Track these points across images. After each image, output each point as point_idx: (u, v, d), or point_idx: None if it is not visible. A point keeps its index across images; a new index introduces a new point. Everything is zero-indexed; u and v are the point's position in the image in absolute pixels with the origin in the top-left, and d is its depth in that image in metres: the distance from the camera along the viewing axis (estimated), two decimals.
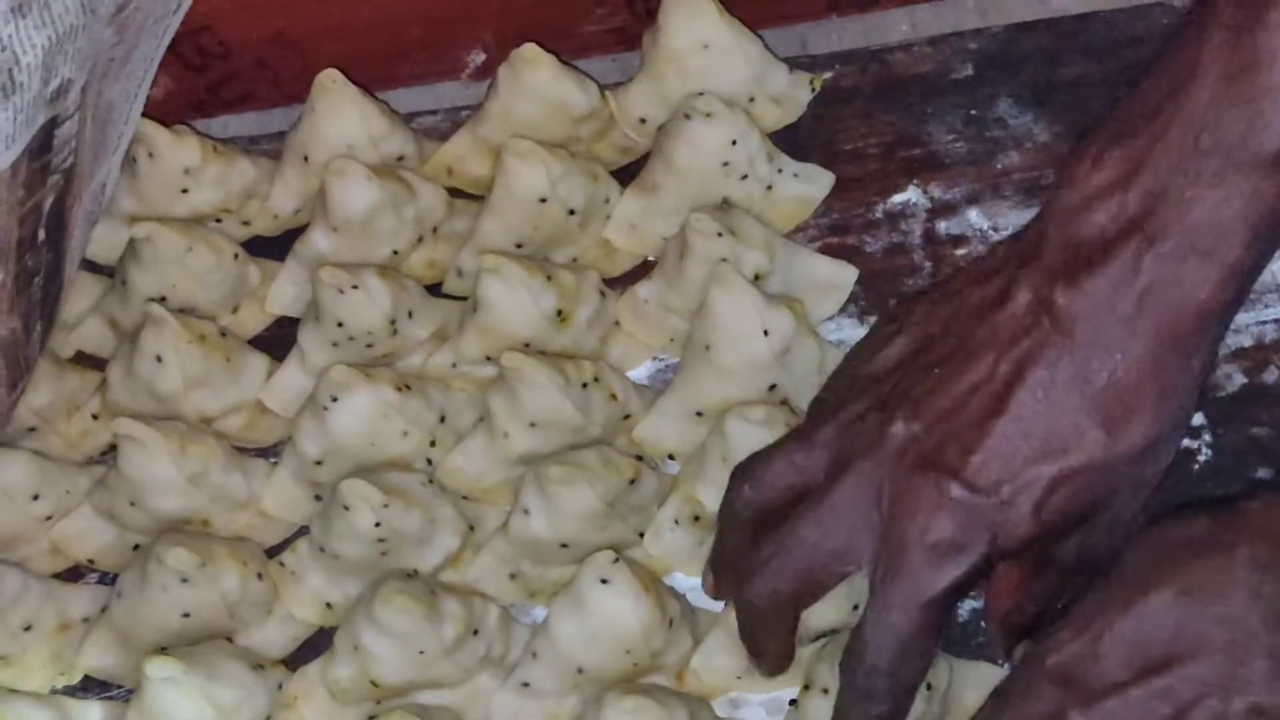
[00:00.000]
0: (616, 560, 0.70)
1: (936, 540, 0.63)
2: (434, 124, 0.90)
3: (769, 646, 0.69)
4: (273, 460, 0.80)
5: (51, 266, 0.78)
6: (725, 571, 0.71)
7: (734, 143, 0.81)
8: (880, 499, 0.65)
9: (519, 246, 0.82)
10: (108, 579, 0.78)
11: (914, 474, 0.64)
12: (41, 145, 0.71)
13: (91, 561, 0.79)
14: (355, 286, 0.78)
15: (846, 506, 0.66)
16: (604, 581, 0.70)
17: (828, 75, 0.88)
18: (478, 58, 0.93)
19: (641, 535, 0.76)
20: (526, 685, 0.73)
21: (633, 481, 0.75)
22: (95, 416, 0.82)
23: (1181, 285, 0.62)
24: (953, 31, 0.90)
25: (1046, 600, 0.68)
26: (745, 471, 0.70)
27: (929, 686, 0.67)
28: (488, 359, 0.80)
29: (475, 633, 0.73)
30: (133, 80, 0.81)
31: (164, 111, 0.87)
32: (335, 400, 0.76)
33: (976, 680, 0.69)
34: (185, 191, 0.85)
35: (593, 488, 0.73)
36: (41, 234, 0.75)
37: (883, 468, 0.65)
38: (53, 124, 0.72)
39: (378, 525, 0.73)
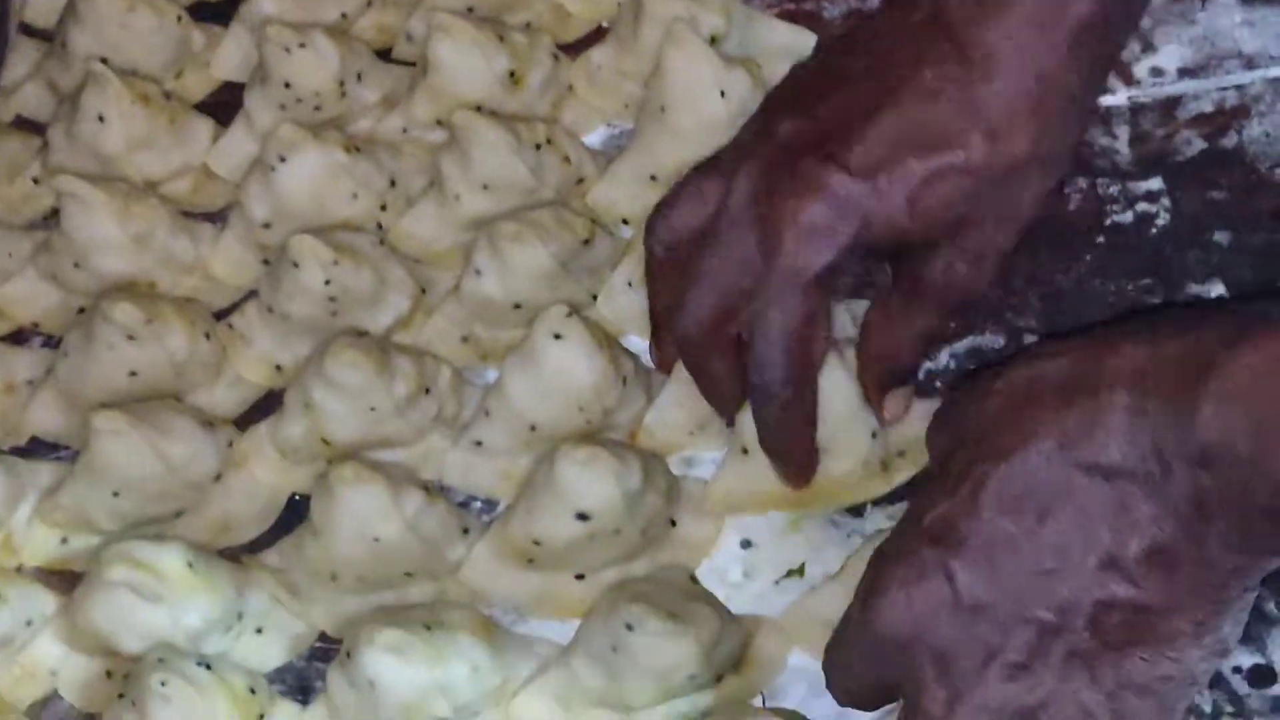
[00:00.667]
0: (570, 315, 0.69)
1: (809, 221, 0.63)
2: None
3: (719, 387, 0.69)
4: (220, 225, 0.79)
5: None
6: (663, 324, 0.71)
7: None
8: (765, 195, 0.65)
9: (470, 10, 0.81)
10: (52, 342, 0.77)
11: (794, 162, 0.64)
12: None
13: (36, 325, 0.78)
14: (303, 45, 0.77)
15: (740, 213, 0.65)
16: (557, 336, 0.69)
17: None
18: None
19: (595, 297, 0.75)
20: (479, 444, 0.72)
21: (586, 242, 0.74)
22: (36, 180, 0.80)
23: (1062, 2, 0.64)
24: None
25: (914, 345, 0.68)
26: (656, 211, 0.70)
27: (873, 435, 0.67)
28: (438, 124, 0.79)
29: (427, 391, 0.72)
30: None
31: None
32: (283, 160, 0.75)
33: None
34: None
35: (546, 246, 0.72)
36: None
37: (764, 161, 0.65)
38: None
39: (327, 283, 0.72)
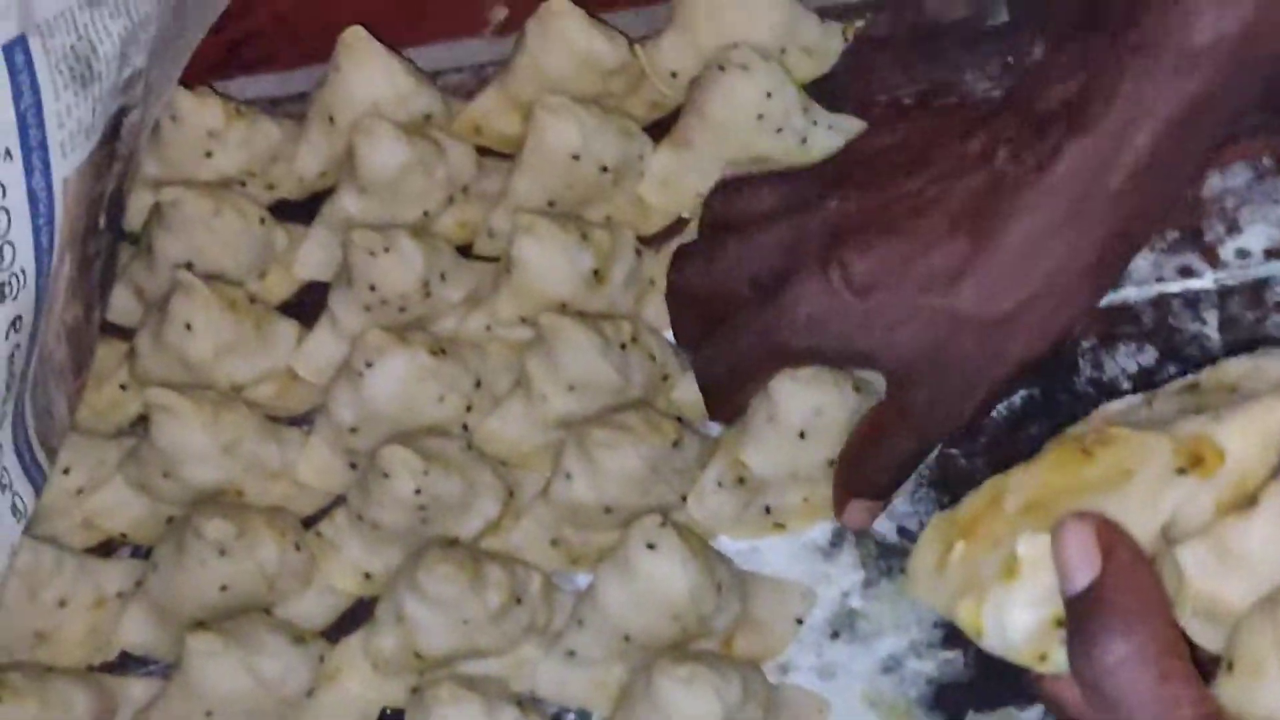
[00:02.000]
0: (664, 524, 0.69)
1: (795, 310, 0.70)
2: (460, 82, 0.88)
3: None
4: (306, 429, 0.79)
5: (109, 251, 0.76)
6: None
7: (769, 95, 0.80)
8: (784, 264, 0.70)
9: (551, 205, 0.81)
10: (141, 552, 0.77)
11: (817, 247, 0.70)
12: (109, 135, 0.70)
13: (124, 535, 0.77)
14: (387, 249, 0.77)
15: (763, 257, 0.72)
16: (651, 546, 0.69)
17: (859, 24, 0.86)
18: (500, 13, 0.90)
19: (685, 499, 0.74)
20: (572, 654, 0.71)
21: (676, 443, 0.73)
22: (124, 387, 0.80)
23: (1095, 171, 0.67)
24: None
25: (892, 467, 0.71)
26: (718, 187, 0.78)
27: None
28: (523, 321, 0.79)
29: (519, 600, 0.71)
30: (176, 64, 0.80)
31: (182, 74, 0.85)
32: (370, 365, 0.75)
33: None
34: (209, 155, 0.83)
35: (637, 450, 0.72)
36: (102, 220, 0.73)
37: (798, 230, 0.71)
38: (122, 113, 0.70)
39: (418, 492, 0.72)
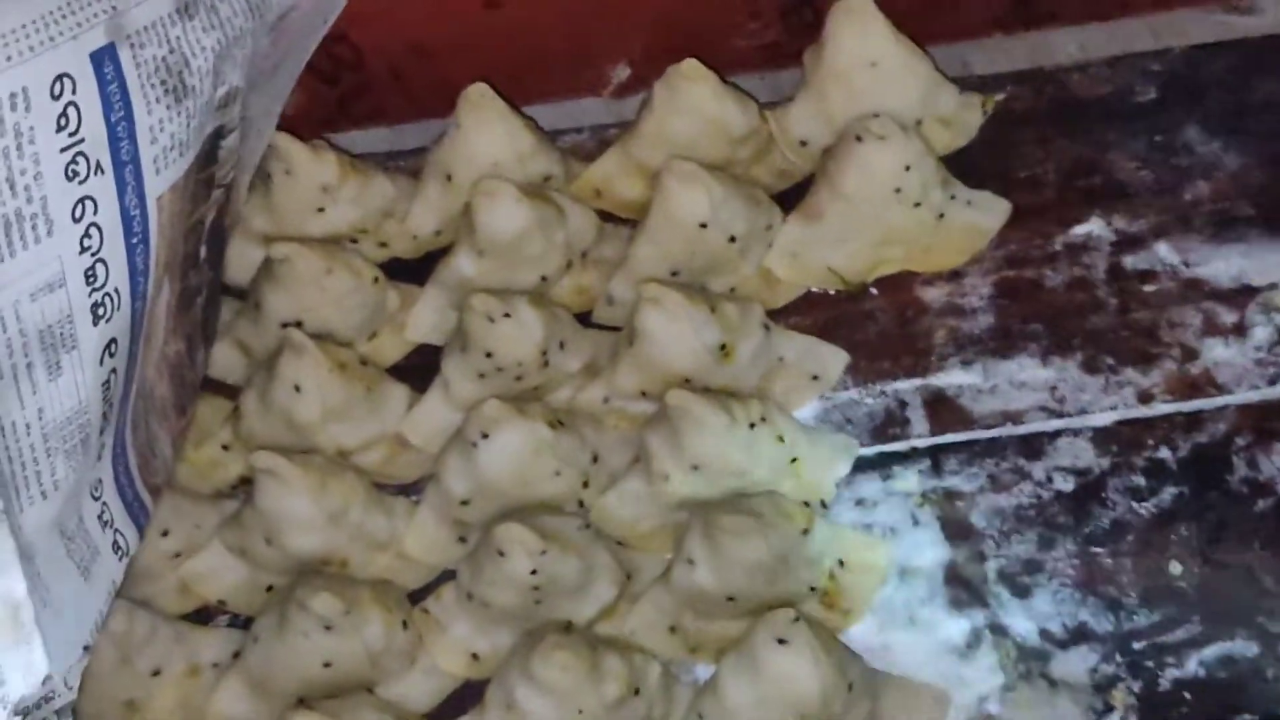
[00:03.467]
0: (796, 619, 0.65)
1: None
2: (579, 143, 0.85)
3: None
4: (414, 498, 0.75)
5: (211, 286, 0.73)
6: None
7: (907, 168, 0.76)
8: None
9: (675, 274, 0.77)
10: (239, 621, 0.74)
11: None
12: (207, 156, 0.67)
13: (222, 602, 0.74)
14: (507, 315, 0.73)
15: None
16: (782, 642, 0.65)
17: (1000, 96, 0.83)
18: (622, 73, 0.88)
19: (813, 589, 0.70)
20: None
21: (805, 532, 0.70)
22: (226, 447, 0.77)
23: None
24: (1133, 53, 0.83)
25: None
26: None
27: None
28: (643, 394, 0.75)
29: (636, 691, 0.67)
30: (276, 95, 0.77)
31: (292, 125, 0.82)
32: (486, 436, 0.71)
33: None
34: (321, 210, 0.80)
35: (766, 539, 0.68)
36: (203, 251, 0.70)
37: None
38: (218, 134, 0.67)
39: (534, 573, 0.68)
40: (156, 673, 0.71)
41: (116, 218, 0.60)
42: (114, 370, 0.62)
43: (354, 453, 0.75)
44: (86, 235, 0.58)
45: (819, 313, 0.78)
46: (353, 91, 0.87)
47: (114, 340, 0.61)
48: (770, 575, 0.69)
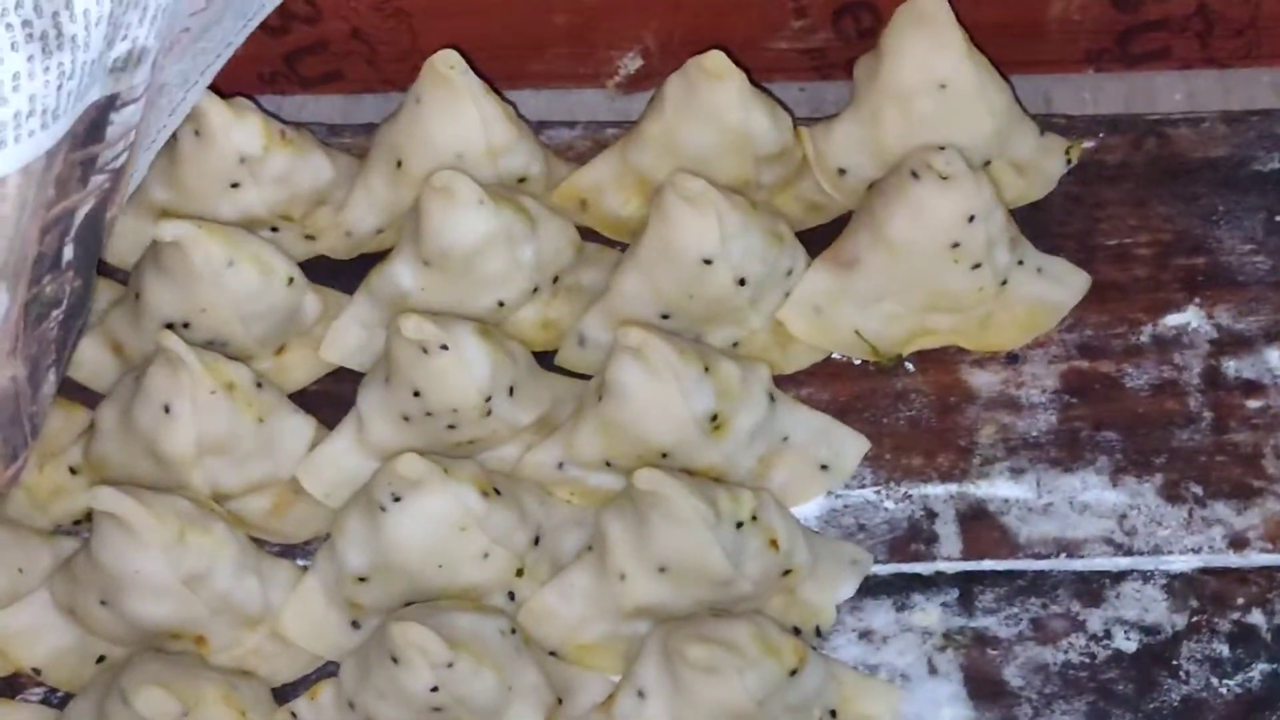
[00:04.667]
0: None
1: None
2: (569, 140, 0.70)
3: None
4: (302, 563, 0.60)
5: (76, 298, 0.57)
6: None
7: (971, 219, 0.61)
8: None
9: (665, 317, 0.63)
10: (54, 697, 0.58)
11: None
12: (89, 131, 0.52)
13: (37, 671, 0.59)
14: (445, 346, 0.58)
15: None
16: None
17: (1088, 144, 0.69)
18: (632, 63, 0.73)
19: None
20: None
21: (794, 673, 0.54)
22: (74, 470, 0.62)
23: None
24: (1256, 110, 0.69)
25: None
26: None
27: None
28: (607, 464, 0.60)
29: None
30: (199, 62, 0.62)
31: (223, 80, 0.66)
32: (398, 500, 0.56)
33: None
34: (236, 186, 0.65)
35: (743, 680, 0.53)
36: (69, 253, 0.55)
37: None
38: (110, 104, 0.52)
39: (434, 690, 0.53)
40: None
41: None
42: None
43: (233, 498, 0.61)
44: None
45: (839, 386, 0.64)
46: (303, 48, 0.73)
47: None
48: None
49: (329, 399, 0.64)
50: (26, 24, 0.45)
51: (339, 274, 0.66)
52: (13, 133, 0.46)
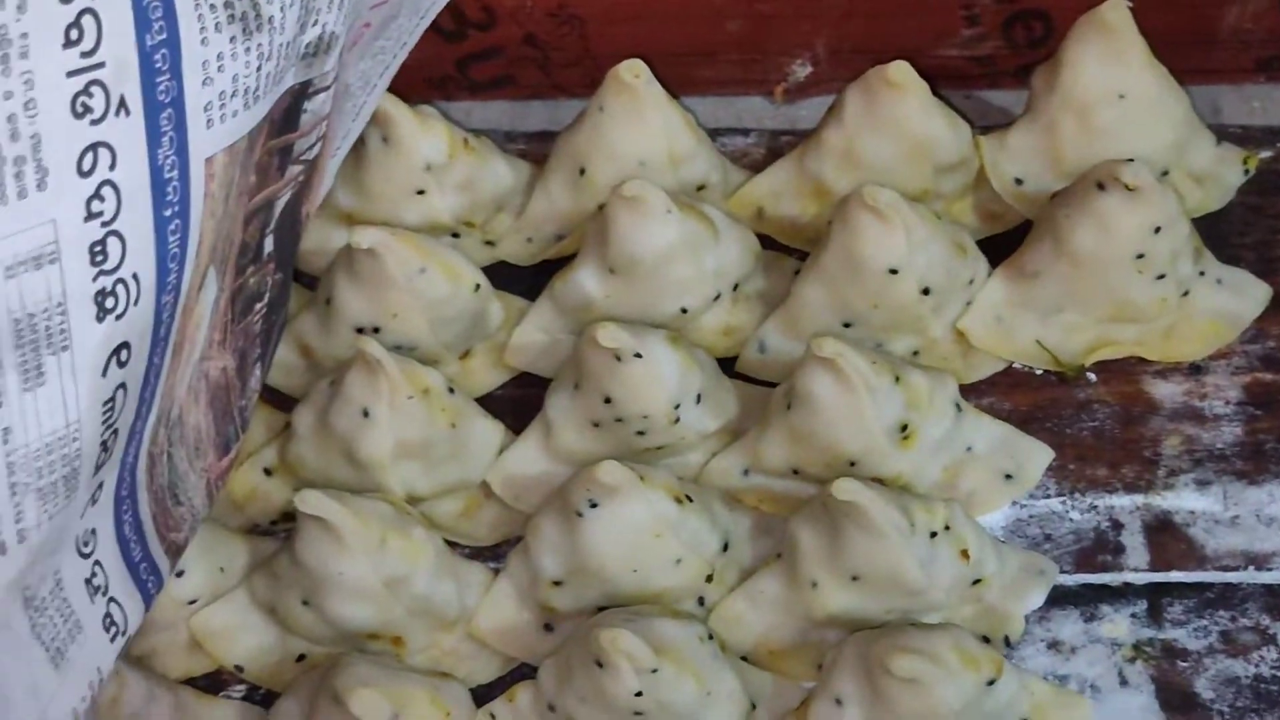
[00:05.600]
0: None
1: None
2: (743, 147, 0.70)
3: None
4: (491, 566, 0.60)
5: (278, 291, 0.58)
6: None
7: (1157, 230, 0.61)
8: None
9: (847, 325, 0.62)
10: (257, 695, 0.59)
11: None
12: (285, 118, 0.52)
13: (239, 668, 0.59)
14: (639, 355, 0.58)
15: None
16: None
17: (1266, 155, 0.68)
18: (801, 70, 0.73)
19: None
20: None
21: (991, 683, 0.54)
22: (269, 471, 0.62)
23: None
24: None
25: None
26: None
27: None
28: (794, 472, 0.60)
29: None
30: (378, 63, 0.62)
31: (395, 84, 0.66)
32: (594, 506, 0.56)
33: None
34: (421, 193, 0.65)
35: (944, 690, 0.53)
36: (269, 244, 0.55)
37: None
38: (303, 91, 0.52)
39: (639, 695, 0.53)
40: None
41: (143, 177, 0.44)
42: (122, 386, 0.46)
43: (425, 500, 0.61)
44: (96, 196, 0.42)
45: (1021, 396, 0.64)
46: (476, 52, 0.72)
47: (125, 345, 0.45)
48: None
49: (512, 404, 0.64)
50: (228, 5, 0.45)
51: (519, 281, 0.67)
52: (219, 111, 0.46)
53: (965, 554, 0.57)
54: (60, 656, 0.48)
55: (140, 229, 0.44)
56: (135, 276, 0.45)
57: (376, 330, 0.62)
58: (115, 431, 0.47)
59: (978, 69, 0.72)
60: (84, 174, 0.42)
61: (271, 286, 0.58)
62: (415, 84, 0.71)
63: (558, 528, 0.58)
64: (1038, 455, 0.62)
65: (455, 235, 0.66)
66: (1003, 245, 0.65)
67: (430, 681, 0.55)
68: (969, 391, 0.63)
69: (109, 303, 0.44)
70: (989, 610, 0.58)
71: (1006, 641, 0.58)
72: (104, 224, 0.43)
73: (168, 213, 0.45)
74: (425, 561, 0.57)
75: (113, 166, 0.43)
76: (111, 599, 0.52)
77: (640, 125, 0.64)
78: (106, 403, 0.45)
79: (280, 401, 0.64)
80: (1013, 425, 0.62)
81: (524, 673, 0.59)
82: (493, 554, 0.61)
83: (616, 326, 0.58)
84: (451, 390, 0.61)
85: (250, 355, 0.58)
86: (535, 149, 0.70)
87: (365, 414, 0.59)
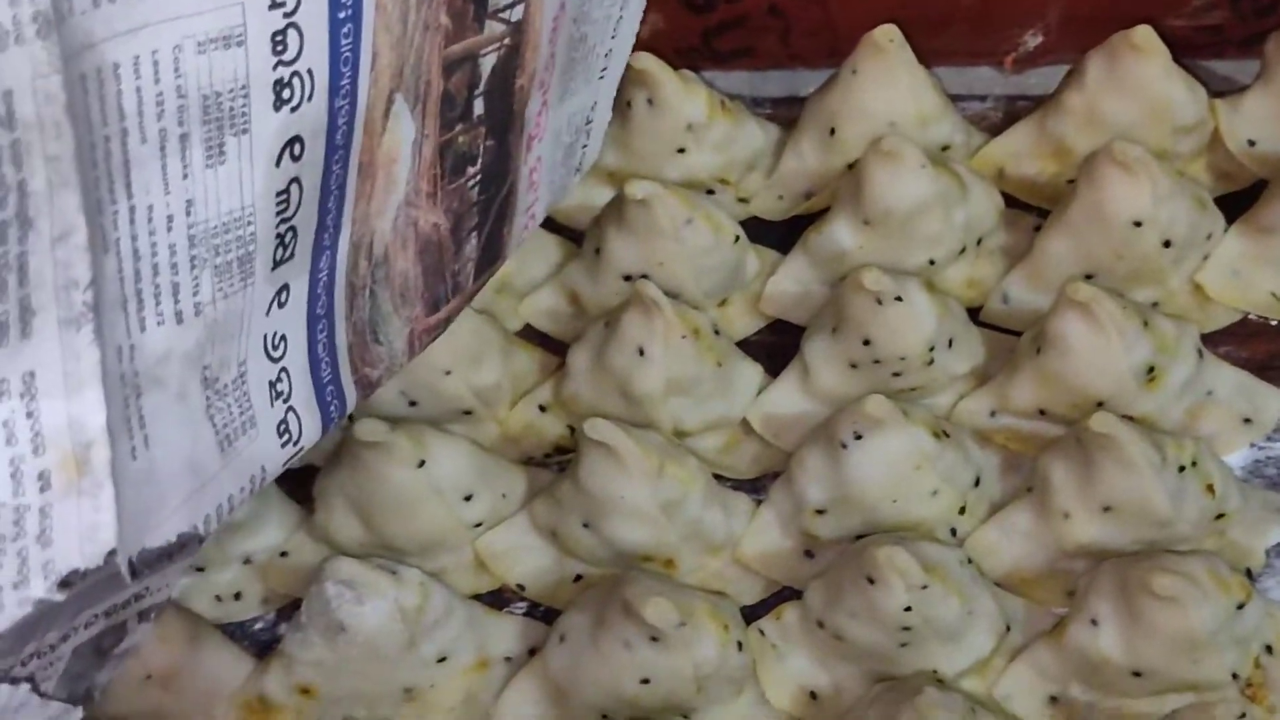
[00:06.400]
0: (1242, 717, 0.52)
1: None
2: (981, 111, 0.74)
3: None
4: (754, 498, 0.64)
5: (493, 162, 0.58)
6: None
7: None
8: None
9: (1089, 277, 0.65)
10: (537, 611, 0.63)
11: None
12: None
13: (521, 586, 0.63)
14: (899, 298, 0.62)
15: None
16: None
17: None
18: (1033, 40, 0.76)
19: (1235, 676, 0.58)
20: None
21: (1241, 606, 0.57)
22: (543, 408, 0.67)
23: None
24: None
25: None
26: None
27: None
28: (1041, 413, 0.63)
29: None
30: None
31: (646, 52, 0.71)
32: (859, 438, 0.60)
33: None
34: (682, 151, 0.69)
35: (1199, 610, 0.55)
36: (478, 106, 0.56)
37: None
38: None
39: (908, 610, 0.57)
40: (443, 659, 0.60)
41: None
42: (295, 180, 0.47)
43: (691, 435, 0.65)
44: None
45: (1257, 345, 0.66)
46: (724, 24, 0.76)
47: (298, 139, 0.47)
48: (1193, 653, 0.56)
49: (766, 349, 0.68)
50: None
51: (771, 235, 0.71)
52: None
53: (1211, 489, 0.60)
54: (229, 443, 0.49)
55: (316, 25, 0.46)
56: (310, 72, 0.46)
57: (644, 278, 0.66)
58: (294, 230, 0.49)
59: (1205, 38, 0.75)
60: None
61: (485, 153, 0.58)
62: (663, 54, 0.74)
63: (822, 458, 0.61)
64: (1275, 400, 0.64)
65: (710, 192, 0.70)
66: (1235, 205, 0.68)
67: (709, 596, 0.59)
68: (1206, 341, 0.65)
69: (285, 93, 0.45)
70: (1231, 544, 0.61)
71: (1248, 574, 0.61)
72: (285, 14, 0.44)
73: (341, 14, 0.46)
74: (698, 488, 0.61)
75: None
76: (291, 408, 0.53)
77: (891, 87, 0.68)
78: (280, 194, 0.47)
79: (551, 346, 0.68)
80: (1249, 373, 0.65)
81: (785, 595, 0.62)
82: (752, 487, 0.65)
83: (879, 270, 0.62)
84: (717, 332, 0.65)
85: (467, 222, 0.59)
86: (780, 113, 0.74)
87: (640, 352, 0.63)
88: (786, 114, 0.73)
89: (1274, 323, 0.66)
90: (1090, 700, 0.58)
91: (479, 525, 0.63)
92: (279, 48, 0.45)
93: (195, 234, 0.45)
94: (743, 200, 0.71)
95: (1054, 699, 0.59)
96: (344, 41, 0.47)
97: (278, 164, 0.46)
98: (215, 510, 0.48)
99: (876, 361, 0.63)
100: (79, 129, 0.39)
